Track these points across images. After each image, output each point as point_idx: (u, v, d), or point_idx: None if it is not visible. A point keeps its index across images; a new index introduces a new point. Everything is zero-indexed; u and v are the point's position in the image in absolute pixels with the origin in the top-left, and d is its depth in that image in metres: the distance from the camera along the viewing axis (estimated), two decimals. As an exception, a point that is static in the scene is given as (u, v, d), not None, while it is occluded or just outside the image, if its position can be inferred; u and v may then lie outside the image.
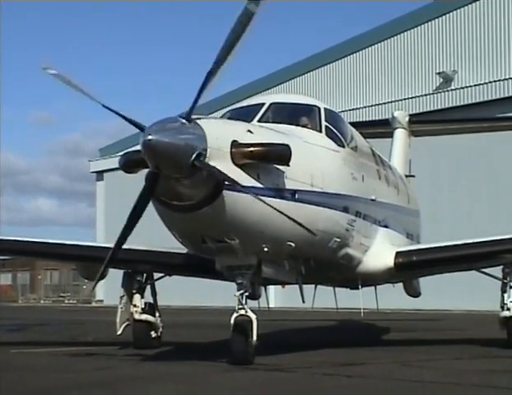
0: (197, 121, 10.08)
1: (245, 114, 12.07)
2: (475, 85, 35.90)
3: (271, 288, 23.40)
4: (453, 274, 18.73)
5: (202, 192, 10.13)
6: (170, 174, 9.94)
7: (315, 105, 13.02)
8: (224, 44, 10.13)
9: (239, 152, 10.32)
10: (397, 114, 22.47)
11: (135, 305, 14.63)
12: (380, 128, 22.70)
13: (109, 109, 10.64)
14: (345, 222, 12.57)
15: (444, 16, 37.94)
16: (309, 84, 43.29)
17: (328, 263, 13.04)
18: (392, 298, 20.09)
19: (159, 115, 10.51)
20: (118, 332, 14.72)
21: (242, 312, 10.99)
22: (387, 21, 40.88)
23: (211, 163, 10.06)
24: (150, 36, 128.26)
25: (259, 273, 11.59)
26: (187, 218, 10.40)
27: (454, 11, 37.54)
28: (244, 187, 10.26)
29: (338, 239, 12.50)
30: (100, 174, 55.39)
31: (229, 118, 12.10)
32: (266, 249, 11.04)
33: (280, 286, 24.44)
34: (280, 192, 10.89)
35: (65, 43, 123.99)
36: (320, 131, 12.57)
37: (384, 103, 38.45)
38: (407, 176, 20.99)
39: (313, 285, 15.45)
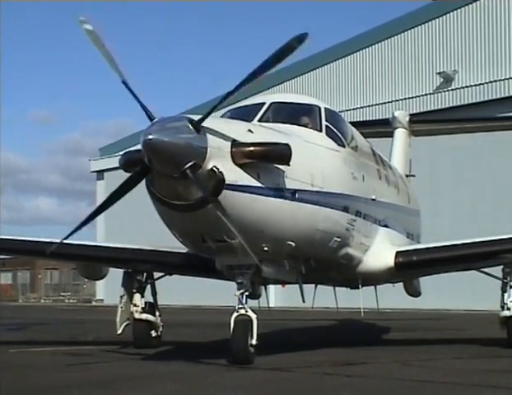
0: (198, 120, 10.07)
1: (246, 114, 12.07)
2: (475, 85, 35.90)
3: (271, 287, 23.40)
4: (453, 274, 18.72)
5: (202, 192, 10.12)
6: (170, 174, 9.94)
7: (316, 105, 13.02)
8: (256, 69, 10.16)
9: (239, 152, 10.33)
10: (398, 114, 22.47)
11: (135, 305, 14.65)
12: (381, 128, 22.69)
13: (128, 88, 10.47)
14: (345, 222, 12.58)
15: (444, 16, 37.93)
16: (310, 83, 43.30)
17: (328, 263, 13.04)
18: (392, 297, 20.08)
19: (159, 115, 10.41)
20: (119, 332, 14.73)
21: (242, 311, 11.00)
22: (387, 21, 40.89)
23: (212, 163, 10.07)
24: (150, 36, 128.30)
25: (259, 273, 11.58)
26: (187, 217, 10.40)
27: (455, 11, 37.54)
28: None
29: (338, 239, 12.50)
30: (100, 174, 55.35)
31: (229, 118, 12.10)
32: (266, 249, 11.05)
33: (280, 286, 24.47)
34: (280, 192, 10.89)
35: (65, 42, 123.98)
36: (320, 130, 12.57)
37: (385, 102, 38.44)
38: (407, 176, 20.99)
39: (313, 285, 15.45)
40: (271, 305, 17.56)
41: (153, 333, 14.68)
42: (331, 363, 11.37)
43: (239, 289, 11.17)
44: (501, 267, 14.68)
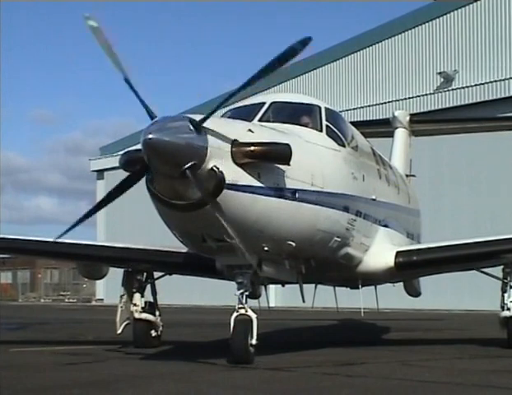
0: (198, 120, 10.06)
1: (246, 113, 12.07)
2: (476, 85, 35.90)
3: (271, 287, 23.41)
4: (454, 274, 18.75)
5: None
6: (171, 173, 9.93)
7: (316, 105, 13.01)
8: (259, 71, 10.15)
9: (239, 151, 10.32)
10: (398, 114, 22.48)
11: (135, 304, 14.64)
12: (381, 128, 22.70)
13: (130, 86, 10.45)
14: (345, 222, 12.57)
15: (444, 16, 37.94)
16: (310, 83, 43.31)
17: (328, 263, 13.03)
18: (392, 297, 20.09)
19: (159, 114, 10.39)
20: (119, 331, 14.73)
21: (242, 311, 10.99)
22: (388, 21, 40.92)
23: (212, 162, 10.06)
24: (150, 36, 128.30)
25: (259, 272, 11.57)
26: (187, 217, 10.39)
27: (455, 11, 37.55)
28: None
29: (339, 239, 12.49)
30: (100, 173, 55.36)
31: (230, 117, 12.09)
32: (266, 249, 11.05)
33: (280, 285, 24.45)
34: (280, 192, 10.89)
35: (65, 41, 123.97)
36: (321, 130, 12.56)
37: (385, 102, 38.46)
38: (407, 176, 20.99)
39: (313, 285, 15.44)
40: (271, 305, 17.57)
41: (153, 333, 14.67)
42: (331, 363, 11.37)
43: (239, 289, 11.16)
44: (501, 267, 14.68)
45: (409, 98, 37.88)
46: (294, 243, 11.35)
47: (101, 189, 55.06)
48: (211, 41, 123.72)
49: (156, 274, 15.41)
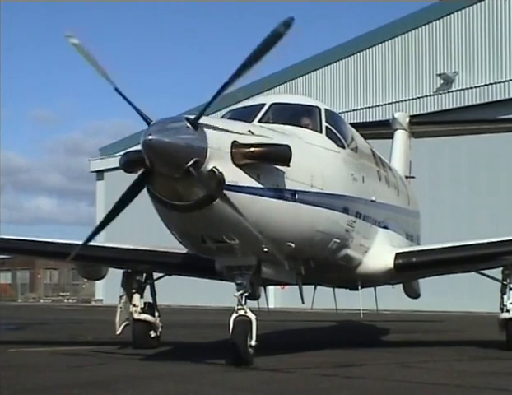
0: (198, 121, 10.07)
1: (246, 115, 12.07)
2: (475, 87, 35.92)
3: (270, 288, 23.41)
4: (453, 275, 18.75)
5: (202, 192, 10.12)
6: (171, 174, 9.93)
7: (316, 106, 13.01)
8: (246, 60, 10.06)
9: (239, 152, 10.32)
10: (398, 115, 22.48)
11: (134, 305, 14.65)
12: (381, 129, 22.72)
13: (121, 95, 10.49)
14: (345, 223, 12.57)
15: (444, 18, 37.95)
16: (310, 85, 43.31)
17: (327, 264, 13.04)
18: (391, 299, 20.10)
19: (160, 114, 10.41)
20: (118, 332, 14.74)
21: (241, 312, 10.99)
22: (387, 23, 40.93)
23: (212, 163, 10.06)
24: (150, 36, 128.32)
25: (259, 274, 11.58)
26: (187, 218, 10.40)
27: (455, 13, 37.56)
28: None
29: (338, 240, 12.49)
30: (100, 174, 55.38)
31: (229, 119, 12.09)
32: (265, 250, 11.05)
33: (279, 287, 24.46)
34: (280, 193, 10.89)
35: (65, 42, 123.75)
36: (321, 131, 12.57)
37: (385, 104, 38.46)
38: (407, 177, 21.00)
39: (312, 286, 15.45)
40: (270, 306, 17.54)
41: (152, 334, 14.67)
42: (330, 364, 11.37)
43: (238, 290, 11.16)
44: (501, 268, 14.69)
45: (409, 99, 37.90)
46: (293, 245, 11.35)
47: (101, 190, 55.16)
48: (210, 41, 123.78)
49: (156, 275, 15.42)
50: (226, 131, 10.45)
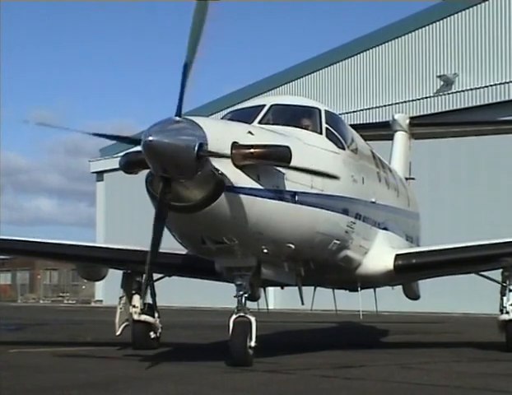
0: (198, 122, 10.08)
1: (246, 116, 12.08)
2: (476, 89, 35.90)
3: (270, 290, 23.41)
4: (453, 277, 18.75)
5: (203, 193, 10.13)
6: (172, 175, 9.94)
7: (316, 107, 13.02)
8: (189, 43, 10.16)
9: (239, 153, 10.33)
10: (398, 117, 22.49)
11: (134, 306, 14.65)
12: (381, 131, 22.72)
13: (101, 136, 10.70)
14: (345, 224, 12.58)
15: (444, 19, 37.94)
16: (310, 86, 43.30)
17: (327, 265, 13.04)
18: (391, 300, 20.09)
19: (160, 115, 10.46)
20: (118, 333, 14.74)
21: (241, 313, 11.00)
22: (387, 24, 40.91)
23: (212, 164, 10.07)
24: (150, 35, 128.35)
25: (258, 275, 11.59)
26: (187, 219, 10.41)
27: (455, 14, 37.55)
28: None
29: (338, 241, 12.50)
30: (100, 175, 55.34)
31: (229, 120, 12.11)
32: (265, 251, 11.05)
33: (279, 288, 24.41)
34: (280, 194, 10.90)
35: (66, 42, 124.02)
36: (321, 133, 12.57)
37: (385, 105, 38.45)
38: (407, 179, 21.00)
39: (312, 287, 15.45)
40: (270, 307, 17.53)
41: (152, 334, 14.66)
42: (329, 365, 11.37)
43: (238, 291, 11.18)
44: (500, 270, 14.69)
45: (409, 101, 37.88)
46: (293, 246, 11.36)
47: (101, 191, 55.14)
48: (210, 41, 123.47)
49: (156, 276, 15.41)
50: (226, 132, 10.46)
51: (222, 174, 10.14)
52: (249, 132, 10.80)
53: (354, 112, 39.51)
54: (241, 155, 10.34)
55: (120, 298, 14.96)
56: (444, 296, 32.96)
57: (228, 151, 10.25)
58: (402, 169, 21.10)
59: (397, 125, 21.92)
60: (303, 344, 16.88)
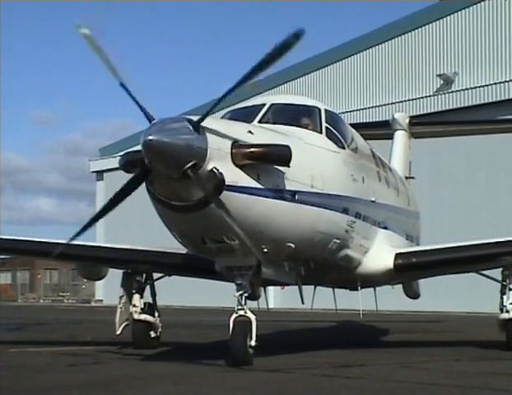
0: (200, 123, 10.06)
1: (246, 115, 12.07)
2: (475, 88, 35.91)
3: (270, 289, 23.42)
4: (453, 276, 18.74)
5: (203, 193, 10.12)
6: (171, 174, 9.94)
7: (316, 106, 13.02)
8: (254, 67, 10.01)
9: (239, 153, 10.33)
10: (398, 116, 22.48)
11: (134, 305, 14.65)
12: (381, 130, 22.71)
13: (126, 90, 10.46)
14: (345, 223, 12.58)
15: (444, 18, 37.94)
16: (310, 85, 43.31)
17: (327, 264, 13.04)
18: (391, 299, 20.09)
19: (160, 115, 10.41)
20: (118, 332, 14.73)
21: (241, 312, 11.00)
22: (387, 23, 40.92)
23: (212, 164, 10.07)
24: (149, 36, 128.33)
25: (259, 274, 11.58)
26: (187, 218, 10.40)
27: (455, 13, 37.55)
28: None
29: (338, 241, 12.50)
30: (100, 174, 55.35)
31: (229, 119, 12.10)
32: (266, 250, 11.05)
33: (279, 287, 24.43)
34: (280, 193, 10.90)
35: (65, 42, 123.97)
36: (320, 132, 12.57)
37: (385, 104, 38.45)
38: (407, 178, 20.99)
39: (312, 286, 15.45)
40: (270, 306, 17.55)
41: (152, 334, 14.67)
42: (329, 364, 11.37)
43: (238, 290, 11.17)
44: (501, 269, 14.69)
45: (409, 100, 37.89)
46: (293, 245, 11.36)
47: (101, 190, 55.13)
48: (210, 42, 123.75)
49: (156, 275, 15.42)
50: (226, 131, 10.46)
51: (222, 173, 10.14)
52: (249, 132, 10.80)
53: (354, 111, 39.52)
54: (241, 155, 10.34)
55: (120, 297, 14.95)
56: (445, 295, 32.98)
57: (228, 151, 10.25)
58: (402, 169, 21.10)
59: (397, 124, 21.91)
60: (303, 343, 16.88)
